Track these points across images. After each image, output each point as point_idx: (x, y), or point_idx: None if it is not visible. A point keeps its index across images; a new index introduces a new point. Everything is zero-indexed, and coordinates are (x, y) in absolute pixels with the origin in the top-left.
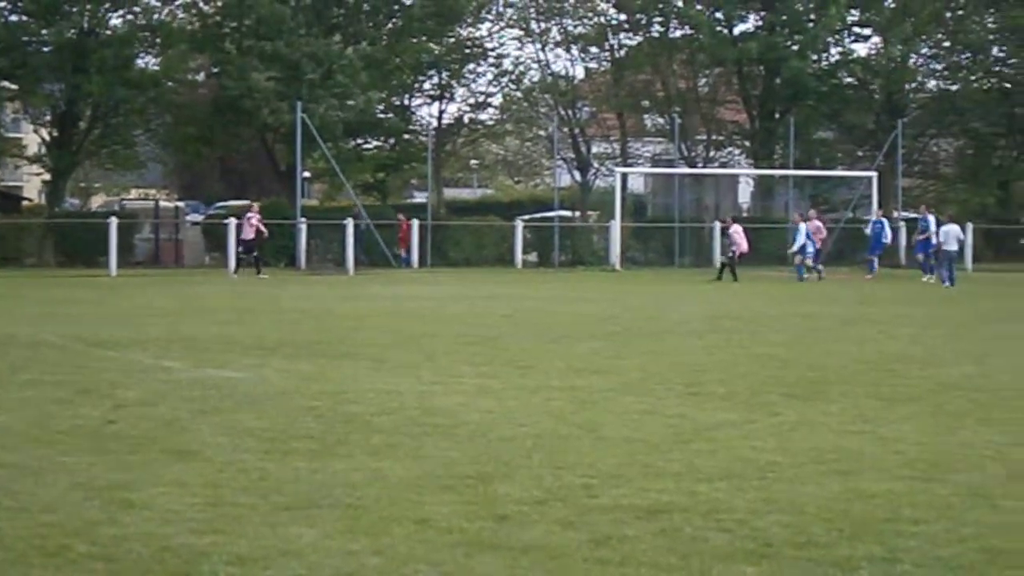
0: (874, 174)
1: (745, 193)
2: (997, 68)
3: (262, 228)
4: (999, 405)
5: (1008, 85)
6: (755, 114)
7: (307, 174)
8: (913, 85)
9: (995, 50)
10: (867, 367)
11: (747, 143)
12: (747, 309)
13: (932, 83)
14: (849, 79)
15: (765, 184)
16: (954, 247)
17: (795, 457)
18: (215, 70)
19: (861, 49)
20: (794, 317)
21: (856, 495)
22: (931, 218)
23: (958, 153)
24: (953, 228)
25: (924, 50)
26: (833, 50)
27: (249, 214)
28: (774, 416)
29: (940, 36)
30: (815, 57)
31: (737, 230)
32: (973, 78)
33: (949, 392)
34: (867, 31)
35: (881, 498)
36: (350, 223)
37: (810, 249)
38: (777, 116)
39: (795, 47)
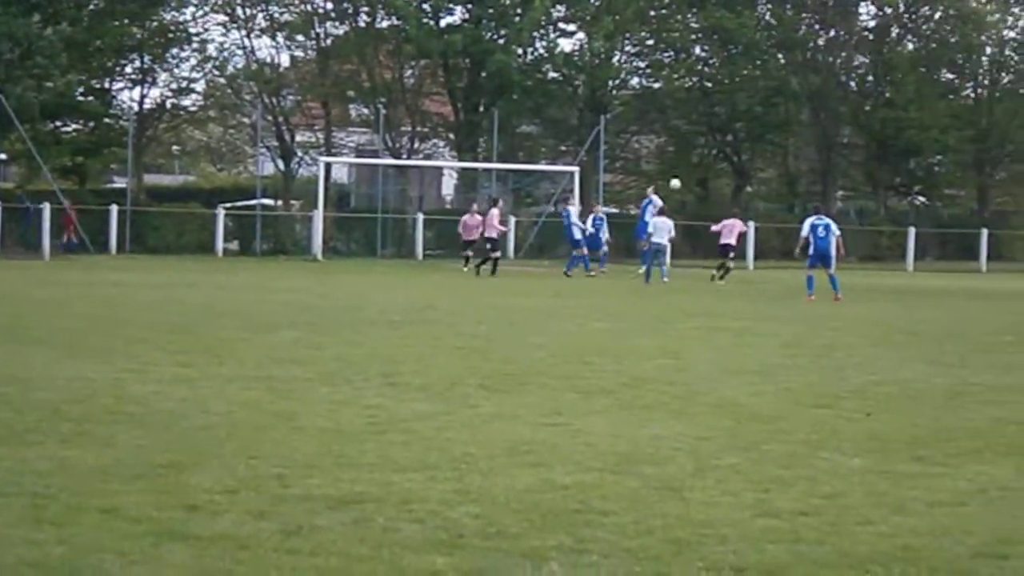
0: (576, 169)
1: (449, 185)
2: (699, 67)
3: None
4: (690, 399)
5: (709, 84)
6: (460, 107)
7: (3, 156)
8: (616, 82)
9: (697, 49)
10: (563, 360)
11: (451, 135)
12: (447, 301)
13: (635, 80)
14: (554, 74)
15: (468, 177)
16: (663, 240)
17: (489, 449)
18: None
19: (566, 45)
20: (492, 309)
21: (548, 486)
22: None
23: (659, 150)
24: (664, 221)
25: (628, 47)
26: (538, 45)
27: None
28: (470, 408)
29: (644, 34)
30: (520, 51)
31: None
32: (675, 76)
33: (643, 386)
34: (572, 27)
35: (572, 489)
36: (47, 207)
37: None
38: (482, 109)
39: (500, 41)
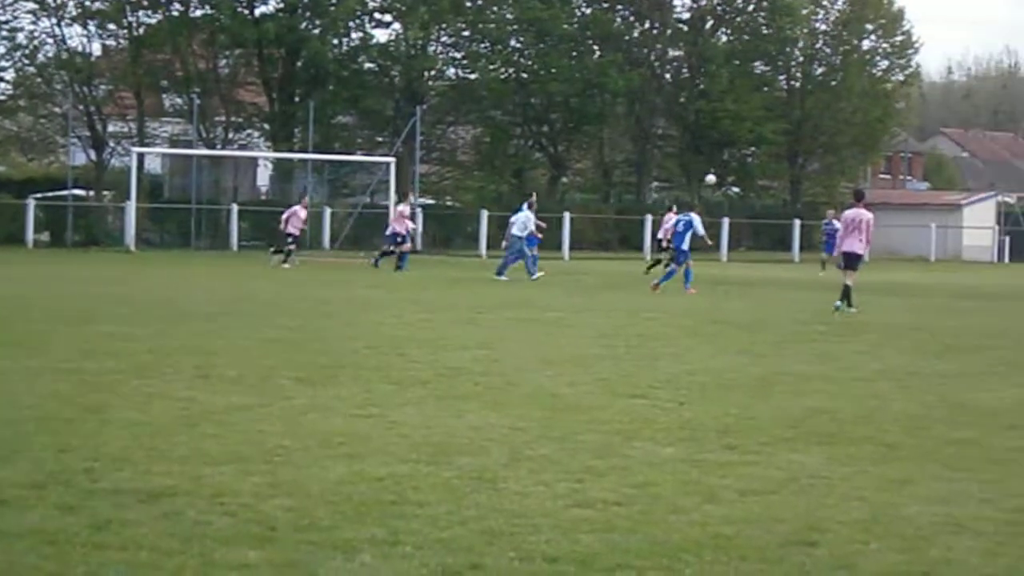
0: (392, 160)
1: (264, 176)
2: (515, 58)
3: None
4: (505, 390)
5: (525, 75)
6: (275, 97)
7: None
8: (432, 72)
9: (513, 41)
10: (379, 351)
11: (267, 126)
12: (262, 293)
13: (451, 71)
14: (370, 64)
15: (284, 167)
16: (516, 232)
17: (303, 441)
18: None
19: (382, 35)
20: (308, 301)
21: (361, 478)
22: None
23: (475, 141)
24: (524, 216)
25: (444, 38)
26: (354, 35)
27: None
28: (284, 400)
29: (460, 25)
30: (336, 41)
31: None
32: (491, 67)
33: (458, 376)
34: (388, 17)
35: (386, 481)
36: None
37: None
38: (297, 99)
39: (316, 31)
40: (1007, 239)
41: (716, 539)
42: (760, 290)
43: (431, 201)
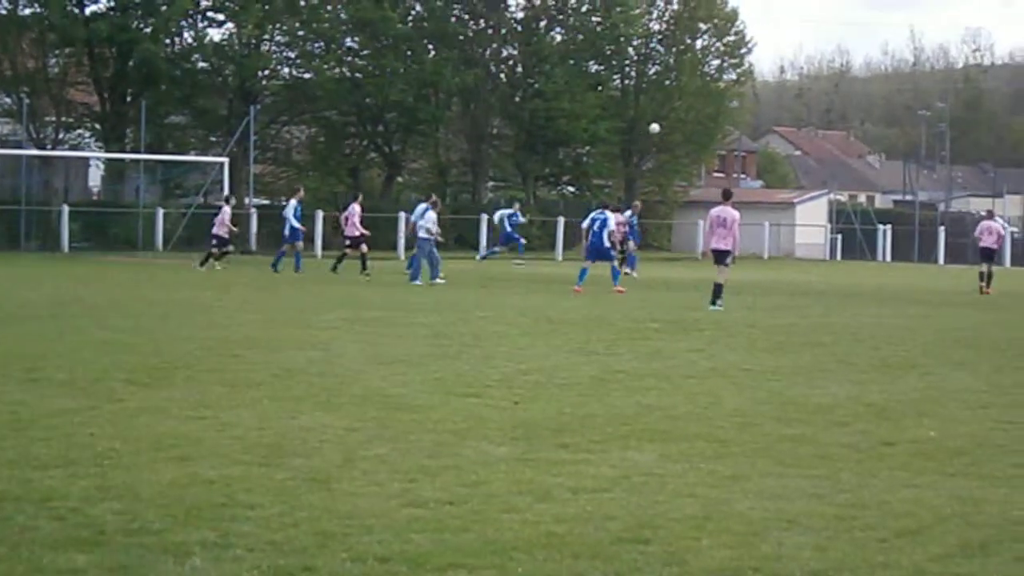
0: (226, 160)
1: (95, 176)
2: (349, 58)
3: None
4: (339, 390)
5: (360, 75)
6: (107, 96)
7: None
8: (267, 72)
9: (348, 40)
10: (213, 353)
11: (98, 126)
12: (94, 294)
13: (286, 70)
14: (203, 64)
15: (116, 168)
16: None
17: (134, 444)
18: None
19: (215, 34)
20: (140, 303)
21: (193, 481)
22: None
23: (310, 141)
24: (425, 211)
25: (278, 37)
26: (186, 34)
27: None
28: (115, 402)
29: (295, 24)
30: (168, 41)
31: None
32: (326, 67)
33: (292, 377)
34: (221, 16)
35: (218, 483)
36: None
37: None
38: (129, 99)
39: (147, 30)
40: (839, 237)
41: (549, 537)
42: (595, 288)
43: (265, 202)
